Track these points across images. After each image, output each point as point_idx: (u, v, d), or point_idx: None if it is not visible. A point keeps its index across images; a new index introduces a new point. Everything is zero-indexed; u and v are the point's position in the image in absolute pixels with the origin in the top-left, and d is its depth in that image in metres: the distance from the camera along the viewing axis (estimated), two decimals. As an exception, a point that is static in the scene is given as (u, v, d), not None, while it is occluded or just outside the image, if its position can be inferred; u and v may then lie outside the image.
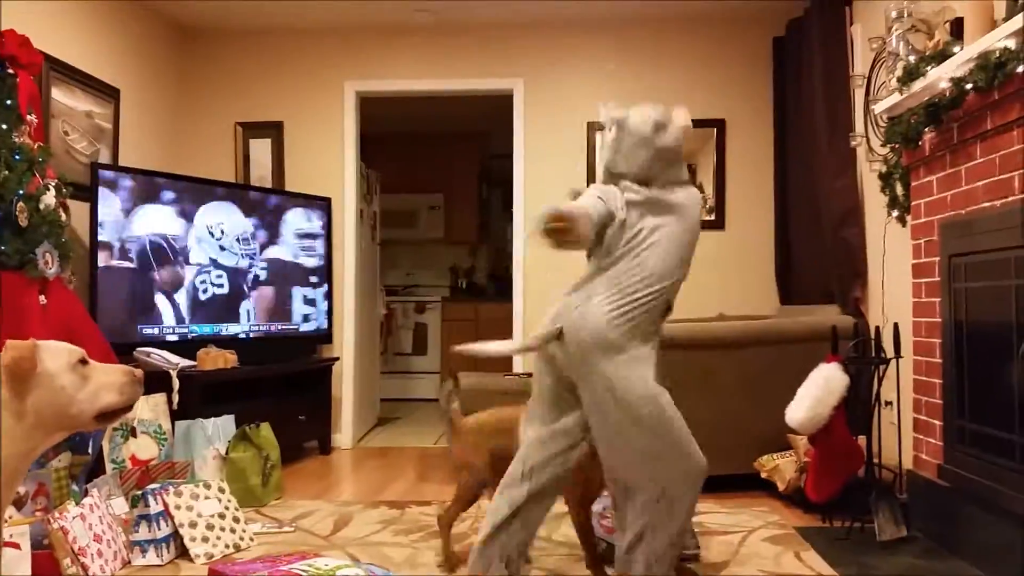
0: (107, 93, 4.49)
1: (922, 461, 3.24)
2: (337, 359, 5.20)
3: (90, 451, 3.11)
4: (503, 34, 5.32)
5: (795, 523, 3.35)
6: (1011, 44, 2.48)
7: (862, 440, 3.25)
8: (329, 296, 5.24)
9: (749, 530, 3.25)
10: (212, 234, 4.54)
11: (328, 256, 5.24)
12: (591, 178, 5.24)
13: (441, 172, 8.08)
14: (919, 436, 3.27)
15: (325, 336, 5.22)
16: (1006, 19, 2.51)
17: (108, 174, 4.08)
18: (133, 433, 3.53)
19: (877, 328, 3.33)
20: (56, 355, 1.66)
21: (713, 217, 5.17)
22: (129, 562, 2.85)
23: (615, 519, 2.36)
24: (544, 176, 5.29)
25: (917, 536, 3.08)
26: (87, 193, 3.99)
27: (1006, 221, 2.61)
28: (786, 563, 2.86)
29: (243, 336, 4.66)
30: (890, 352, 3.24)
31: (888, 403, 3.46)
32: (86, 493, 2.93)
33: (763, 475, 3.73)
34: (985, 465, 2.76)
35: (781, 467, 3.64)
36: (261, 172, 5.34)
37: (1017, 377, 2.56)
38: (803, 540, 3.10)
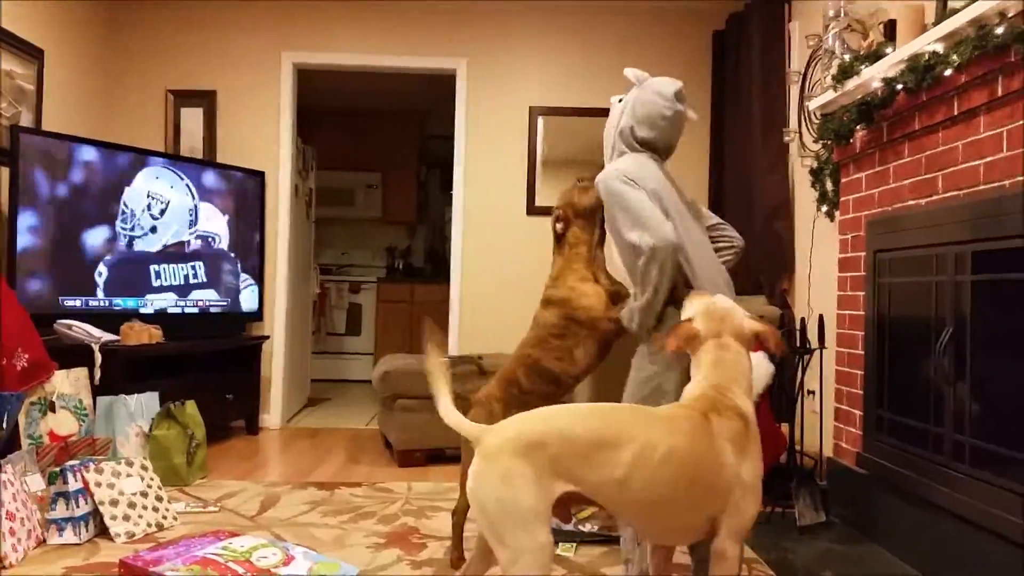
0: (30, 53, 4.29)
1: (842, 449, 3.35)
2: (267, 337, 5.11)
3: (3, 425, 2.98)
4: (448, 12, 5.26)
5: (719, 507, 3.43)
6: (939, 48, 2.56)
7: (785, 428, 3.34)
8: (260, 273, 5.13)
9: (675, 514, 3.30)
10: (139, 204, 4.39)
11: (260, 232, 5.13)
12: (532, 162, 5.25)
13: (379, 150, 7.98)
14: (840, 425, 3.38)
15: (255, 314, 5.11)
16: (935, 24, 2.59)
17: (30, 138, 3.91)
18: (52, 408, 3.41)
19: (803, 319, 3.42)
20: None
21: (649, 206, 5.22)
22: (44, 541, 2.76)
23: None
24: (485, 159, 5.26)
25: (835, 522, 3.19)
26: (7, 158, 3.81)
27: (930, 219, 2.70)
28: (710, 546, 2.92)
29: (169, 311, 4.54)
30: (814, 343, 3.33)
31: (811, 392, 3.57)
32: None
33: (690, 460, 3.79)
34: (902, 454, 2.86)
35: (707, 453, 3.71)
36: (192, 142, 5.19)
37: (935, 370, 2.67)
38: (726, 524, 3.17)
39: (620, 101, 2.45)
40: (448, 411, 1.83)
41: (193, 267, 4.69)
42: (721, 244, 2.46)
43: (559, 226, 2.66)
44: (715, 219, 2.51)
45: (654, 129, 2.33)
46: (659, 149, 2.38)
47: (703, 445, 1.80)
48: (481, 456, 1.74)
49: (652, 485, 1.74)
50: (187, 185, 4.65)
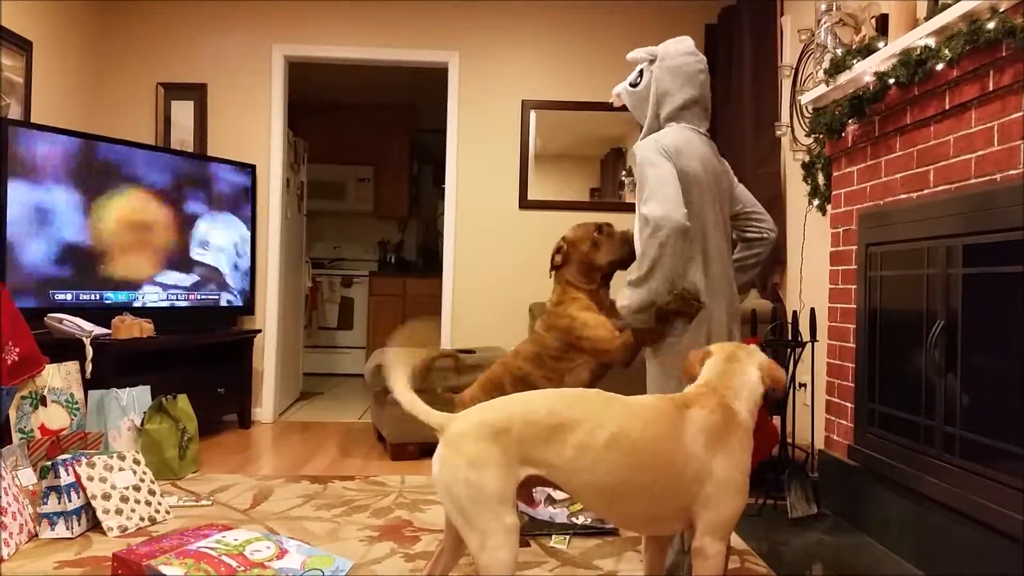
0: (18, 45, 4.26)
1: (833, 442, 3.37)
2: (259, 331, 5.10)
3: (-5, 420, 2.97)
4: (440, 5, 5.24)
5: (711, 500, 3.44)
6: (931, 43, 2.57)
7: (777, 420, 3.36)
8: (252, 267, 5.11)
9: (667, 506, 3.32)
10: (131, 198, 4.37)
11: (252, 225, 5.11)
12: (524, 156, 5.24)
13: (371, 144, 7.96)
14: (831, 417, 3.40)
15: (247, 308, 5.10)
16: (927, 18, 2.60)
17: (19, 131, 3.88)
18: (43, 402, 3.40)
19: (794, 312, 3.44)
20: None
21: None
22: (36, 535, 2.75)
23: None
24: (477, 153, 5.26)
25: (827, 513, 3.20)
26: (-5, 150, 3.78)
27: (921, 213, 2.72)
28: (702, 538, 2.93)
29: (161, 305, 4.52)
30: (806, 336, 3.35)
31: (802, 385, 3.59)
32: (-10, 464, 2.81)
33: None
34: (893, 446, 2.88)
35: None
36: (182, 135, 5.16)
37: (926, 363, 2.68)
38: (718, 516, 3.19)
39: (635, 87, 2.41)
40: (411, 400, 1.85)
41: (185, 261, 4.67)
42: (750, 234, 2.43)
43: (557, 257, 2.63)
44: (749, 205, 2.46)
45: (697, 87, 2.34)
46: (704, 105, 2.37)
47: (662, 432, 1.80)
48: (447, 442, 1.79)
49: (598, 467, 1.76)
50: (177, 178, 4.63)
